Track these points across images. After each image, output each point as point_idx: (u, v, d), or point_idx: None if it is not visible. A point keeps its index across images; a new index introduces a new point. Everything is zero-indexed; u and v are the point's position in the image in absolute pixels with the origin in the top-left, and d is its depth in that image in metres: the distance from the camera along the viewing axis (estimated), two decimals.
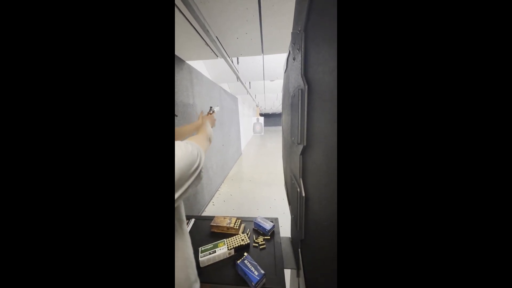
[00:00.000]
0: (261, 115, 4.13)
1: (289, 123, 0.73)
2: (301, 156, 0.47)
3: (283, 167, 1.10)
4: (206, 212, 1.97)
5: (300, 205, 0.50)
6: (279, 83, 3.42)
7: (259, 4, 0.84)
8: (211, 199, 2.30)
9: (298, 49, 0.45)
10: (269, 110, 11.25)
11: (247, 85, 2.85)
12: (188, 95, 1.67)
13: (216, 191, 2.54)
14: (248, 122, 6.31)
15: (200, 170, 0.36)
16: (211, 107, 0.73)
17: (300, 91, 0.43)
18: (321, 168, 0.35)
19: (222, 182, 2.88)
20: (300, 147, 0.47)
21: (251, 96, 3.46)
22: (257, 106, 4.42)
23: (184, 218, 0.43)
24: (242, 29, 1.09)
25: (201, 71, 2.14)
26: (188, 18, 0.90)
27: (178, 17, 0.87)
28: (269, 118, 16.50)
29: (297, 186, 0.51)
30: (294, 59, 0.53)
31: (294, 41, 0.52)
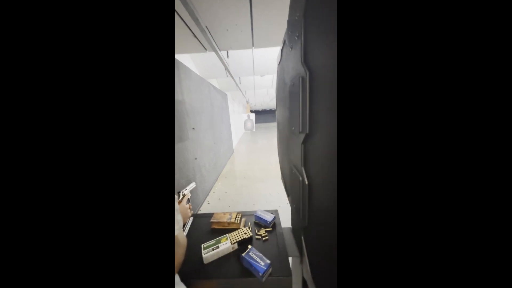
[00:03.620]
0: (251, 111, 4.11)
1: (286, 115, 0.73)
2: (302, 145, 0.48)
3: (279, 160, 1.11)
4: (202, 211, 1.93)
5: (303, 193, 0.50)
6: (269, 78, 3.41)
7: None
8: (205, 197, 2.26)
9: (297, 36, 0.44)
10: (259, 106, 11.23)
11: (237, 80, 2.80)
12: (176, 92, 1.59)
13: (211, 189, 2.50)
14: (239, 119, 6.25)
15: None
16: (179, 192, 0.57)
17: (300, 78, 0.42)
18: (323, 155, 0.36)
19: (216, 180, 2.84)
20: (302, 136, 0.47)
21: (242, 92, 3.41)
22: (247, 102, 4.38)
23: None
24: (232, 20, 1.05)
25: (189, 66, 2.05)
26: (176, 8, 0.84)
27: None
28: (259, 114, 16.49)
29: (299, 175, 0.51)
30: (291, 48, 0.52)
31: (291, 29, 0.51)
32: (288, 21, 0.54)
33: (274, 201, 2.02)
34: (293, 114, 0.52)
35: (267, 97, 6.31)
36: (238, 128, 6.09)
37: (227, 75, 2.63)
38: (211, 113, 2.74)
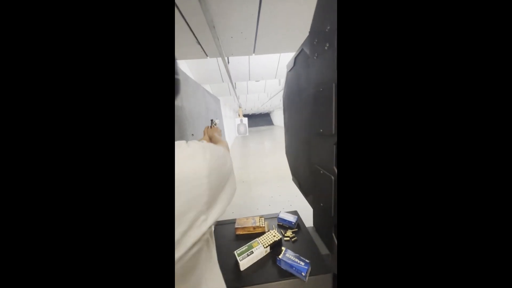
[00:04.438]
0: (243, 116, 4.13)
1: (303, 118, 0.77)
2: (335, 145, 0.51)
3: (290, 162, 1.14)
4: None
5: (335, 192, 0.53)
6: (261, 83, 3.49)
7: (260, 3, 0.85)
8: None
9: (327, 47, 0.48)
10: (249, 111, 11.31)
11: (233, 85, 2.81)
12: (176, 97, 1.55)
13: None
14: (231, 124, 6.22)
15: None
16: (212, 120, 0.69)
17: (334, 85, 0.46)
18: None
19: None
20: (335, 137, 0.50)
21: (236, 96, 3.43)
22: (239, 107, 4.40)
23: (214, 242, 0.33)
24: (238, 28, 1.08)
25: (184, 71, 2.02)
26: (184, 13, 0.84)
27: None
28: (250, 118, 16.59)
29: (330, 175, 0.54)
30: (316, 56, 0.56)
31: (315, 40, 0.55)
32: (312, 33, 0.58)
33: (277, 204, 2.04)
34: (322, 116, 0.55)
35: (258, 102, 6.40)
36: (231, 132, 6.05)
37: (222, 81, 2.63)
38: (206, 118, 2.70)
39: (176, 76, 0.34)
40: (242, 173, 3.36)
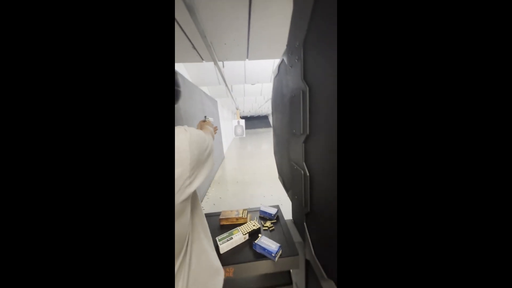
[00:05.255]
0: (241, 117, 4.20)
1: (284, 120, 0.85)
2: (303, 144, 0.59)
3: (276, 160, 1.21)
4: None
5: (305, 184, 0.61)
6: (258, 86, 3.59)
7: (249, 15, 0.95)
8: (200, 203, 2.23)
9: (297, 59, 0.56)
10: (247, 113, 11.40)
11: (229, 88, 2.90)
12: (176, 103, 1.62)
13: (205, 195, 2.48)
14: (229, 126, 6.29)
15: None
16: (205, 116, 0.79)
17: (301, 91, 0.54)
18: (323, 150, 0.47)
19: (209, 186, 2.82)
20: (303, 137, 0.58)
21: (232, 99, 3.51)
22: (237, 109, 4.48)
23: (201, 210, 0.46)
24: (231, 36, 1.17)
25: (182, 73, 2.09)
26: (180, 22, 0.93)
27: None
28: (248, 121, 16.68)
29: (301, 170, 0.62)
30: (291, 66, 0.65)
31: (290, 52, 0.64)
32: (288, 46, 0.67)
33: (269, 203, 2.10)
34: (294, 119, 0.64)
35: (256, 104, 6.50)
36: (228, 134, 6.12)
37: (219, 83, 2.71)
38: (202, 118, 2.77)
39: (176, 88, 0.42)
40: (238, 174, 3.42)
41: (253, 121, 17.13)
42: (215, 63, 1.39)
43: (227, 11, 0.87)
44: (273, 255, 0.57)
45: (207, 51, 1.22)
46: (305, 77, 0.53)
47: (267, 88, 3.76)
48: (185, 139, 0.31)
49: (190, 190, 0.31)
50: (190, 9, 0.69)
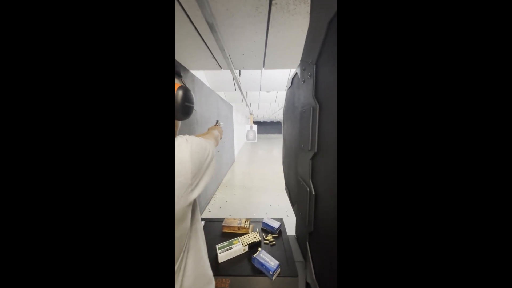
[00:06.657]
0: (254, 122, 4.24)
1: (294, 133, 0.84)
2: (311, 160, 0.57)
3: (284, 172, 1.19)
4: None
5: (309, 202, 0.59)
6: (273, 94, 3.63)
7: (267, 30, 0.98)
8: (206, 205, 2.28)
9: (309, 76, 0.56)
10: (261, 118, 11.50)
11: (244, 94, 2.98)
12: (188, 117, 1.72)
13: (211, 197, 2.53)
14: (241, 129, 6.41)
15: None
16: (217, 121, 0.81)
17: (312, 108, 0.54)
18: (328, 169, 0.45)
19: (217, 188, 2.87)
20: (311, 153, 0.57)
21: (247, 104, 3.59)
22: (251, 114, 4.56)
23: (200, 217, 0.45)
24: (248, 48, 1.22)
25: (201, 79, 2.22)
26: (202, 34, 1.00)
27: (190, 30, 0.96)
28: (261, 125, 16.80)
29: (307, 187, 0.60)
30: (303, 81, 0.65)
31: (304, 67, 0.64)
32: (302, 62, 0.67)
33: (274, 212, 2.05)
34: (303, 134, 0.63)
35: (270, 110, 6.53)
36: (240, 138, 6.22)
37: (235, 89, 2.81)
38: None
39: (189, 104, 0.44)
40: (246, 179, 3.42)
41: (266, 126, 17.21)
42: (232, 72, 1.45)
43: (246, 27, 0.91)
44: (270, 273, 0.55)
45: (225, 61, 1.28)
46: (316, 94, 0.53)
47: (281, 96, 3.78)
48: (186, 150, 0.33)
49: (192, 196, 0.33)
50: (211, 27, 0.74)
